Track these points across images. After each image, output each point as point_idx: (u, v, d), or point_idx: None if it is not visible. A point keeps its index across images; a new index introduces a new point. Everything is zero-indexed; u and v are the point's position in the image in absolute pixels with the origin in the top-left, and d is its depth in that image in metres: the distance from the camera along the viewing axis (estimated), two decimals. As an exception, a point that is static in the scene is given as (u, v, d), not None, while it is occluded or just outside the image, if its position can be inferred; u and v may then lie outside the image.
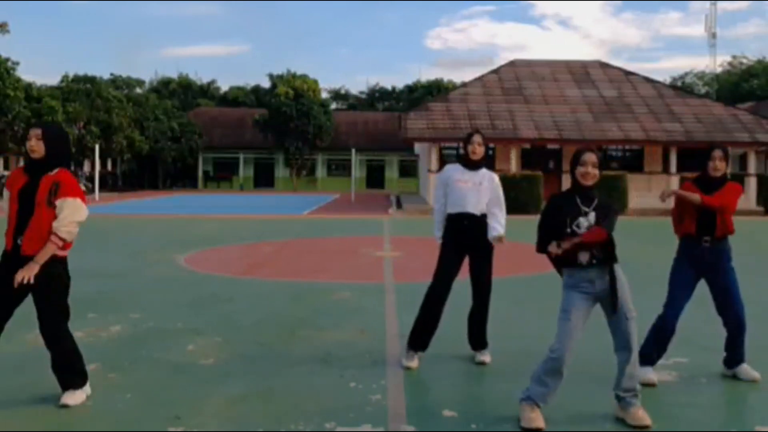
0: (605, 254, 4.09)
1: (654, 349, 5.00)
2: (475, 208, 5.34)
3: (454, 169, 5.50)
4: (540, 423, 3.98)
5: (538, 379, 4.12)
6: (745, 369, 4.97)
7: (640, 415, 4.05)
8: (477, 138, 5.41)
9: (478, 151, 5.40)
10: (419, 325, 5.37)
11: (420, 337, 5.35)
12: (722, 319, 5.07)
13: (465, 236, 5.37)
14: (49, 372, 4.43)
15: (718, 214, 4.86)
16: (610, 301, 4.14)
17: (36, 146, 4.22)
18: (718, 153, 4.87)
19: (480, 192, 5.35)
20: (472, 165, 5.43)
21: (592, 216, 4.06)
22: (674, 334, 5.02)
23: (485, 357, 5.40)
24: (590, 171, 4.09)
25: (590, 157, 4.11)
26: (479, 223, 5.36)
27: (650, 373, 4.87)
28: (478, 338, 5.49)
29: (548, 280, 9.06)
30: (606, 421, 4.17)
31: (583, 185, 4.13)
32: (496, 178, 5.50)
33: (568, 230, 4.05)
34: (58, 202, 4.18)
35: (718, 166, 4.85)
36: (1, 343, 4.56)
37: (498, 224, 5.36)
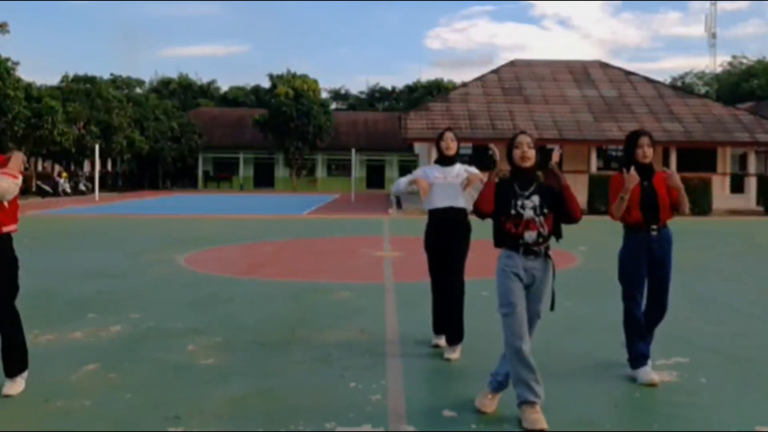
0: (550, 236, 4.17)
1: (643, 344, 4.98)
2: (448, 201, 5.53)
3: (431, 169, 5.73)
4: (543, 424, 3.93)
5: (516, 380, 4.06)
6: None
7: (534, 418, 3.96)
8: (449, 134, 5.66)
9: (451, 146, 5.62)
10: (434, 314, 5.84)
11: (437, 323, 5.83)
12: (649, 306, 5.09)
13: (443, 230, 5.58)
14: (48, 371, 4.44)
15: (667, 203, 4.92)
16: (536, 294, 4.19)
17: None
18: (645, 140, 4.93)
19: (455, 186, 5.52)
20: (446, 161, 5.65)
21: (536, 198, 4.12)
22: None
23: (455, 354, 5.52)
24: (527, 152, 4.13)
25: (524, 138, 4.17)
26: (455, 216, 5.55)
27: (651, 374, 4.86)
28: (448, 329, 5.62)
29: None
30: (606, 422, 4.17)
31: (522, 167, 4.17)
32: (472, 168, 5.61)
33: (513, 211, 4.12)
34: None
35: (647, 152, 4.91)
36: None
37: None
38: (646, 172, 4.91)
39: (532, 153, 4.15)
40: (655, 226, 4.92)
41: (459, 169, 5.60)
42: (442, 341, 5.67)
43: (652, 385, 4.76)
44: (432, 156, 29.52)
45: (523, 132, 4.28)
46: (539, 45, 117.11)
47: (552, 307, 4.26)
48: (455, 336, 5.51)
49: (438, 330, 5.81)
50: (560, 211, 4.18)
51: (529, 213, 4.11)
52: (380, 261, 11.68)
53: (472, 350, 5.63)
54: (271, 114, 46.94)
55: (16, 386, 4.49)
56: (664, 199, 4.90)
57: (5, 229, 4.49)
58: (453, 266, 5.56)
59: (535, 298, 4.21)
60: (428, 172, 5.68)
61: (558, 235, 4.27)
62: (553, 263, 4.25)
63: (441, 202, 5.55)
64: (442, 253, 5.61)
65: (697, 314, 7.19)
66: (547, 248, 4.20)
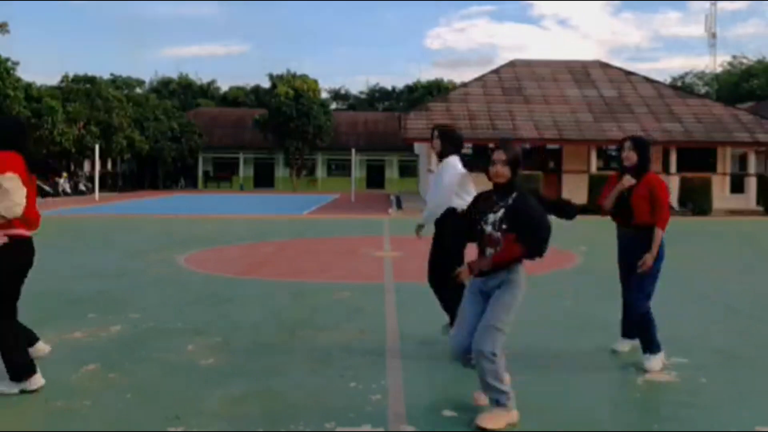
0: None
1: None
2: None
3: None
4: (513, 418, 4.01)
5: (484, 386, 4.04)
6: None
7: (482, 417, 3.99)
8: (434, 133, 5.85)
9: (434, 144, 5.83)
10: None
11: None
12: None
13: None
14: (48, 371, 4.44)
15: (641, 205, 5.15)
16: (494, 297, 4.12)
17: None
18: (627, 143, 5.22)
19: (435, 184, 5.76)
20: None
21: (500, 213, 4.00)
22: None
23: None
24: (500, 170, 4.00)
25: (499, 156, 4.02)
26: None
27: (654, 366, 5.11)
28: None
29: (544, 280, 9.08)
30: (606, 422, 4.17)
31: (494, 183, 4.09)
32: (445, 163, 5.74)
33: (478, 226, 4.08)
34: None
35: (629, 155, 5.17)
36: None
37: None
38: (628, 173, 5.21)
39: (505, 170, 4.00)
40: (626, 229, 5.25)
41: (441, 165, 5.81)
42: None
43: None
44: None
45: (498, 147, 4.08)
46: (539, 45, 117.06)
47: (494, 318, 4.00)
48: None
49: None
50: (526, 232, 4.00)
51: (488, 228, 4.06)
52: (380, 261, 11.68)
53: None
54: (271, 114, 46.92)
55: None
56: (638, 203, 5.12)
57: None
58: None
59: (489, 305, 4.07)
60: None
61: (528, 255, 4.04)
62: (513, 275, 4.06)
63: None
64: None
65: (697, 314, 7.18)
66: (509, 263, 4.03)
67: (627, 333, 5.56)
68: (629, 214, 5.15)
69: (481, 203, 4.16)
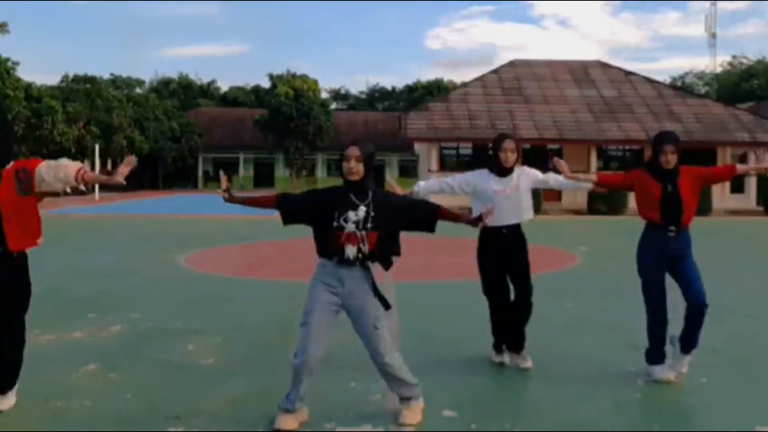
0: (374, 254, 4.00)
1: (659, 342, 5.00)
2: (512, 217, 5.14)
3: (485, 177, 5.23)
4: (290, 426, 3.95)
5: (291, 386, 4.04)
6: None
7: (404, 414, 4.06)
8: (509, 144, 5.12)
9: (510, 158, 5.12)
10: (493, 327, 5.37)
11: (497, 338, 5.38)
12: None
13: (504, 249, 5.18)
14: (48, 371, 4.43)
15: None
16: (359, 305, 4.00)
17: None
18: (669, 148, 4.89)
19: (519, 197, 5.15)
20: (504, 172, 5.16)
21: (362, 211, 3.93)
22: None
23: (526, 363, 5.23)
24: (352, 166, 3.93)
25: (352, 152, 3.95)
26: (516, 233, 5.21)
27: (665, 373, 4.92)
28: (513, 338, 5.30)
29: (544, 280, 9.07)
30: (606, 422, 4.17)
31: (349, 181, 3.97)
32: (528, 168, 5.31)
33: (335, 223, 3.92)
34: (42, 170, 3.98)
35: (670, 160, 4.89)
36: None
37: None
38: (669, 175, 4.92)
39: (359, 167, 3.93)
40: (673, 228, 4.91)
41: (518, 175, 5.20)
42: (502, 358, 5.33)
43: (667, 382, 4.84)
44: (432, 156, 29.55)
45: (353, 143, 4.02)
46: (539, 45, 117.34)
47: (387, 308, 4.09)
48: (520, 342, 5.27)
49: (501, 344, 5.36)
50: (402, 224, 4.08)
51: (350, 227, 3.93)
52: (380, 261, 11.67)
53: (471, 350, 5.64)
54: (271, 114, 46.95)
55: (7, 401, 4.21)
56: (687, 201, 4.91)
57: (39, 241, 4.22)
58: (522, 275, 5.23)
59: (358, 315, 4.03)
60: (482, 182, 5.20)
61: (389, 253, 4.09)
62: (372, 274, 4.08)
63: (506, 218, 5.10)
64: (508, 269, 5.23)
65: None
66: (366, 261, 4.02)
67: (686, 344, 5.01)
68: (679, 215, 4.92)
69: (335, 200, 3.99)
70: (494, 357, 5.37)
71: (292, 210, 4.11)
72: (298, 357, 3.97)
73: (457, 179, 5.34)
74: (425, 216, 4.11)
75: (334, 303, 4.00)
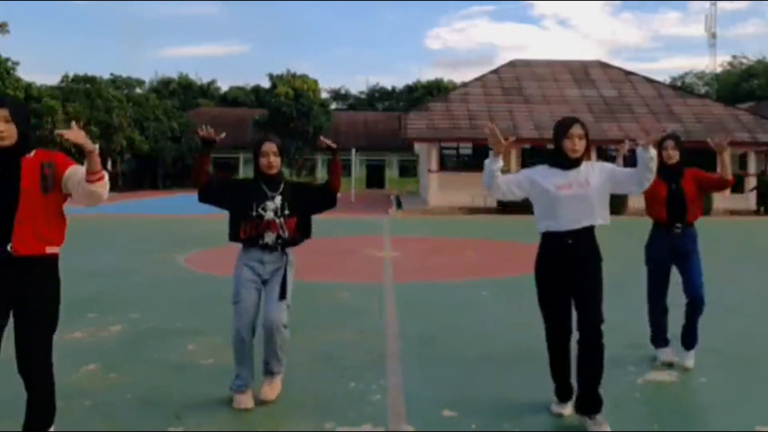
0: (294, 238, 4.41)
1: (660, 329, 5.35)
2: (579, 221, 4.05)
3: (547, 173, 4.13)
4: (249, 403, 4.28)
5: (236, 365, 4.36)
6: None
7: (266, 390, 4.40)
8: (577, 130, 4.05)
9: (579, 147, 4.04)
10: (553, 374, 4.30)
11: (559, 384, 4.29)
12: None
13: (567, 263, 4.06)
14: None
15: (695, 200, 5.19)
16: (276, 281, 4.38)
17: (6, 131, 3.25)
18: (670, 142, 5.14)
19: (588, 196, 4.04)
20: (569, 164, 4.08)
21: (278, 199, 4.36)
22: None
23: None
24: (272, 160, 4.37)
25: (269, 147, 4.39)
26: (586, 242, 4.09)
27: (670, 356, 5.26)
28: (583, 395, 4.04)
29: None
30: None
31: (266, 174, 4.39)
32: (599, 163, 4.31)
33: (254, 213, 4.31)
34: (69, 171, 3.39)
35: (672, 155, 5.11)
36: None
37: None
38: (673, 175, 5.12)
39: (277, 161, 4.38)
40: (679, 225, 5.15)
41: (588, 168, 4.13)
42: (563, 409, 4.21)
43: (669, 364, 5.15)
44: (432, 156, 29.53)
45: (268, 140, 4.46)
46: (539, 45, 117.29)
47: (282, 296, 4.36)
48: (593, 402, 4.00)
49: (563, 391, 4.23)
50: (311, 207, 4.51)
51: (269, 215, 4.33)
52: (380, 261, 11.68)
53: (471, 350, 5.64)
54: (271, 114, 46.95)
55: None
56: (691, 199, 5.13)
57: (48, 250, 3.45)
58: (588, 301, 4.02)
59: (272, 289, 4.39)
60: (541, 179, 4.10)
61: (303, 236, 4.49)
62: (289, 257, 4.45)
63: (572, 222, 4.03)
64: (573, 291, 4.07)
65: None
66: (285, 245, 4.41)
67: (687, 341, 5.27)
68: (683, 213, 5.12)
69: (251, 191, 4.40)
70: (553, 406, 4.23)
71: (215, 190, 4.53)
72: (234, 330, 4.33)
73: (510, 179, 4.14)
74: (324, 193, 4.57)
75: (258, 281, 4.39)
